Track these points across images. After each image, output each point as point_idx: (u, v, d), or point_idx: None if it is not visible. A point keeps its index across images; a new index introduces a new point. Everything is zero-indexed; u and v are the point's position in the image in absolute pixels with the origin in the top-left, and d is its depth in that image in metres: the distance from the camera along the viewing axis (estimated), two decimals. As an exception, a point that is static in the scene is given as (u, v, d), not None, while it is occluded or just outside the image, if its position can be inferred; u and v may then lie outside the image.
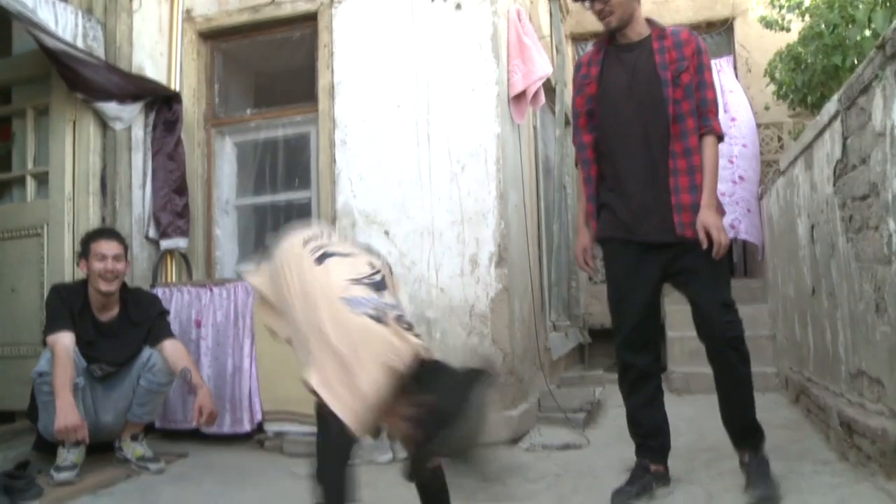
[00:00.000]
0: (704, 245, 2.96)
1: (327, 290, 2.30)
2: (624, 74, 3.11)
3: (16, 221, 4.73)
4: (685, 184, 3.02)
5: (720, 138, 3.12)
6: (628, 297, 3.16)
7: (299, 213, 5.03)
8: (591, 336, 7.58)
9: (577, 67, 3.34)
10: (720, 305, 3.05)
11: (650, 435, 3.22)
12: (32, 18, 4.07)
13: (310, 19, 4.96)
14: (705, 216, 2.98)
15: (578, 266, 3.47)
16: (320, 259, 2.42)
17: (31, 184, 4.80)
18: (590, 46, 8.16)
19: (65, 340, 3.62)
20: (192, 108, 5.17)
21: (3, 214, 4.82)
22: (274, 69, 5.66)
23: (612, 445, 4.02)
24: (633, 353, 3.17)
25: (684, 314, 3.32)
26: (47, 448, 3.77)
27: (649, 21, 3.20)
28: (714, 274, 3.06)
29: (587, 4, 3.15)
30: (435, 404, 2.04)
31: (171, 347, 3.94)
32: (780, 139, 8.06)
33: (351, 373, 2.13)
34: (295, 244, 2.54)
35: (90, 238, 3.90)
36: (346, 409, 2.11)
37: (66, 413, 3.42)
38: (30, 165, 4.78)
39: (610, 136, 3.16)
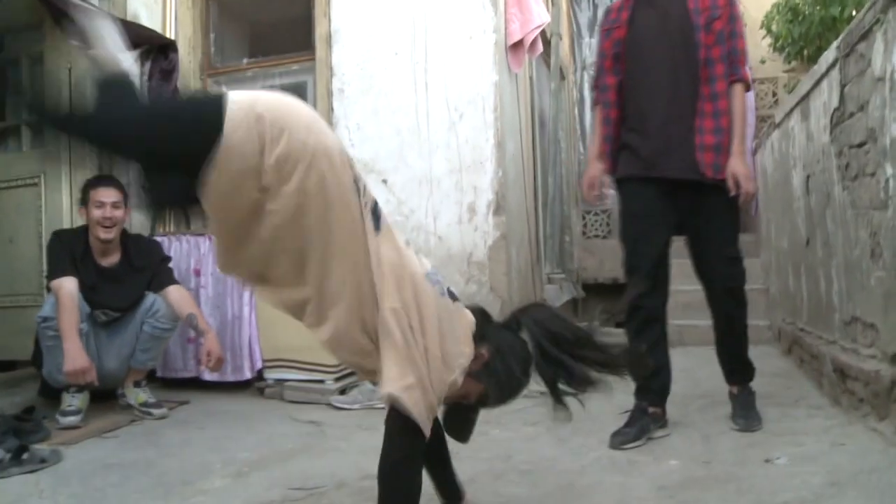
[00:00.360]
0: (733, 192, 3.03)
1: (405, 265, 1.86)
2: (655, 17, 3.15)
3: (11, 172, 4.70)
4: (710, 126, 3.07)
5: (748, 87, 3.17)
6: (646, 236, 3.19)
7: (298, 162, 5.03)
8: (585, 290, 7.64)
9: (607, 12, 3.39)
10: (728, 256, 3.16)
11: (651, 377, 3.27)
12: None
13: (306, -32, 4.93)
14: (735, 164, 3.04)
15: (585, 198, 3.55)
16: (376, 214, 1.84)
17: (25, 133, 4.76)
18: (584, 1, 8.27)
19: (69, 285, 3.63)
20: (187, 58, 5.14)
21: (-1, 164, 4.80)
22: (270, 18, 5.61)
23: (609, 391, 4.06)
24: (643, 295, 3.17)
25: (678, 267, 3.36)
26: (52, 394, 3.80)
27: None
28: (726, 222, 3.16)
29: None
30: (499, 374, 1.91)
31: (175, 293, 3.96)
32: (774, 94, 8.08)
33: (445, 364, 1.84)
34: (336, 152, 1.76)
35: (89, 185, 3.89)
36: (428, 410, 1.81)
37: (75, 356, 3.45)
38: (24, 114, 4.74)
39: (637, 76, 3.19)
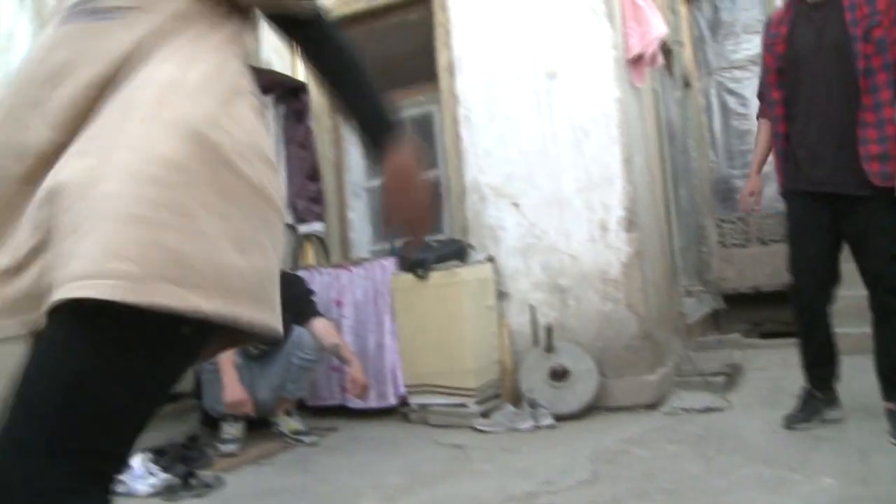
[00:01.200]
0: None
1: None
2: (813, 32, 3.18)
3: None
4: (874, 136, 3.06)
5: None
6: (809, 245, 3.27)
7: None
8: (726, 301, 7.41)
9: (766, 26, 3.46)
10: (892, 256, 3.11)
11: (818, 363, 3.32)
12: None
13: (424, 0, 5.05)
14: None
15: (742, 209, 3.63)
16: None
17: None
18: (704, 5, 8.09)
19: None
20: (318, 97, 5.36)
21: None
22: (393, 52, 5.77)
23: (754, 408, 3.94)
24: (809, 297, 3.29)
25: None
26: (211, 423, 4.04)
27: None
28: (890, 222, 3.10)
29: None
30: None
31: (320, 325, 4.13)
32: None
33: None
34: None
35: None
36: None
37: (233, 389, 3.69)
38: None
39: (796, 91, 3.26)
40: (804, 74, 3.21)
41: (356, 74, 1.34)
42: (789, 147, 3.31)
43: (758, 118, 3.61)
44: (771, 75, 3.38)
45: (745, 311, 7.32)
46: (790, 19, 3.29)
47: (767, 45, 3.41)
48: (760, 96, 3.55)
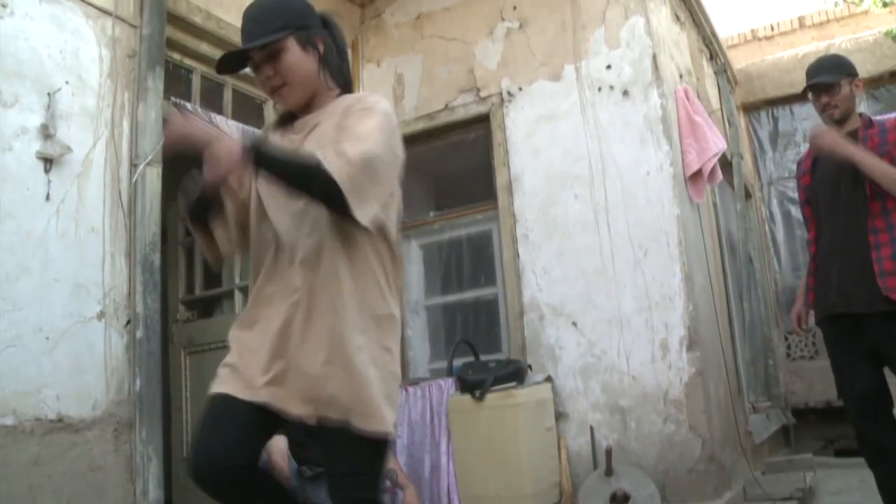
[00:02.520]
0: None
1: None
2: (833, 163, 3.27)
3: (227, 332, 5.07)
4: (888, 253, 3.11)
5: None
6: (849, 370, 3.26)
7: (487, 309, 5.16)
8: (795, 416, 7.16)
9: (799, 164, 3.64)
10: None
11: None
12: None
13: (482, 120, 5.18)
14: None
15: (795, 329, 3.64)
16: None
17: (238, 296, 5.18)
18: (762, 116, 8.14)
19: (279, 444, 3.85)
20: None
21: (217, 326, 5.21)
22: (451, 171, 5.91)
23: (830, 538, 3.77)
24: (866, 427, 3.22)
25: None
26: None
27: (860, 115, 3.37)
28: None
29: (810, 97, 3.41)
30: None
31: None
32: None
33: None
34: None
35: None
36: None
37: None
38: (237, 280, 5.18)
39: (820, 220, 3.40)
40: (825, 203, 3.34)
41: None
42: (817, 273, 3.40)
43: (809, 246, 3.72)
44: (805, 209, 3.54)
45: (816, 427, 7.07)
46: (814, 153, 3.44)
47: (797, 179, 3.61)
48: (805, 223, 3.68)
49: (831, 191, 3.30)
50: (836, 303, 3.23)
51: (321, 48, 2.01)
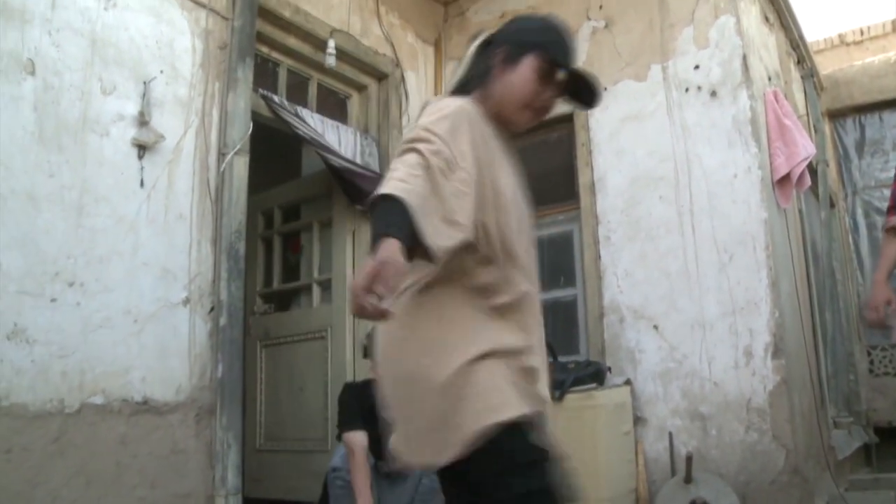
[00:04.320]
0: None
1: None
2: None
3: (304, 325, 5.16)
4: None
5: None
6: None
7: (566, 310, 5.08)
8: (878, 435, 6.90)
9: None
10: None
11: None
12: (321, 141, 4.53)
13: (566, 121, 5.12)
14: None
15: (869, 321, 3.24)
16: None
17: (316, 291, 5.22)
18: (848, 123, 7.90)
19: (361, 439, 3.82)
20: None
21: (293, 319, 5.28)
22: (534, 170, 5.82)
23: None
24: None
25: None
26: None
27: None
28: None
29: None
30: None
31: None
32: None
33: None
34: None
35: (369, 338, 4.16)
36: None
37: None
38: (315, 274, 5.22)
39: None
40: None
41: None
42: None
43: (884, 231, 3.40)
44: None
45: (900, 446, 6.81)
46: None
47: None
48: (889, 208, 3.35)
49: None
50: None
51: None
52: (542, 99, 1.86)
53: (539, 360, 1.80)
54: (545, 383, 1.82)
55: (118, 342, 3.19)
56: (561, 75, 1.84)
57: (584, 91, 1.91)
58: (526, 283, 1.81)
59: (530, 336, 1.79)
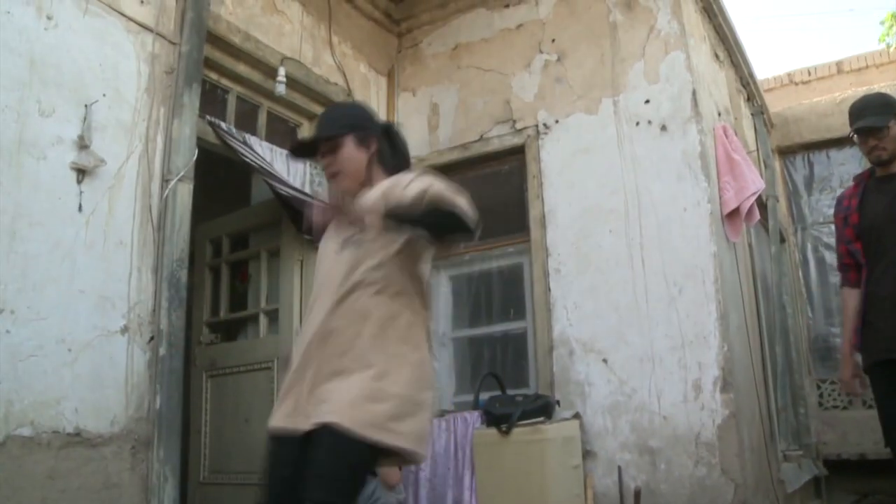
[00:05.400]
0: None
1: None
2: (883, 201, 3.23)
3: (250, 356, 5.04)
4: None
5: None
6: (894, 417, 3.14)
7: (516, 343, 5.05)
8: (827, 467, 6.94)
9: (839, 202, 3.54)
10: None
11: None
12: (269, 169, 4.47)
13: (517, 152, 5.13)
14: None
15: (848, 391, 3.52)
16: None
17: (263, 320, 5.13)
18: (798, 160, 8.04)
19: None
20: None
21: (239, 349, 5.17)
22: (484, 202, 5.76)
23: None
24: None
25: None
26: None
27: None
28: None
29: (855, 138, 3.35)
30: None
31: (386, 471, 3.96)
32: None
33: None
34: None
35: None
36: None
37: None
38: (263, 303, 5.12)
39: (870, 261, 3.27)
40: (877, 242, 3.24)
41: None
42: (867, 316, 3.26)
43: (841, 288, 3.59)
44: (842, 246, 3.44)
45: (849, 479, 6.85)
46: (860, 193, 3.37)
47: (843, 218, 3.45)
48: (841, 267, 3.54)
49: (883, 228, 3.20)
50: (890, 348, 3.10)
51: (373, 147, 2.44)
52: (324, 171, 2.55)
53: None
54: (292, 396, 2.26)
55: (50, 371, 3.07)
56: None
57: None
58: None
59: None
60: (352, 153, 2.41)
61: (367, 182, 2.40)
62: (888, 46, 8.24)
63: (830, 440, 7.17)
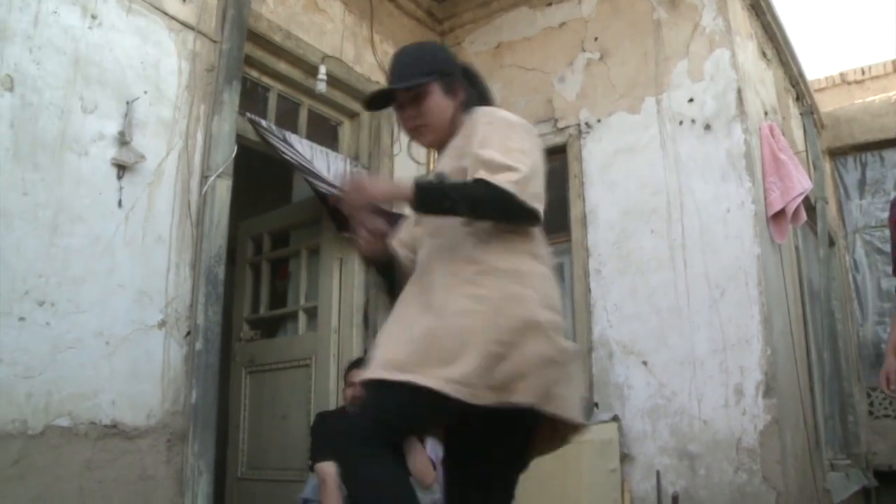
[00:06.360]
0: None
1: None
2: None
3: (289, 353, 5.08)
4: None
5: None
6: None
7: (554, 343, 4.99)
8: (878, 478, 6.76)
9: (893, 204, 3.36)
10: None
11: None
12: (309, 167, 4.48)
13: (559, 151, 5.07)
14: None
15: (883, 389, 3.31)
16: None
17: (302, 318, 5.16)
18: (849, 162, 7.84)
19: (333, 470, 3.74)
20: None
21: (278, 346, 5.21)
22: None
23: None
24: None
25: None
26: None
27: None
28: None
29: None
30: None
31: (419, 463, 3.91)
32: None
33: None
34: None
35: (348, 368, 4.08)
36: None
37: None
38: (302, 301, 5.16)
39: None
40: None
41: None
42: None
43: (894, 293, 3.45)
44: None
45: (900, 491, 6.67)
46: None
47: (894, 222, 3.32)
48: (895, 271, 3.41)
49: None
50: None
51: (461, 95, 2.15)
52: (403, 125, 2.20)
53: None
54: None
55: (88, 364, 3.12)
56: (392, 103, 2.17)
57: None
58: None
59: None
60: (439, 103, 2.11)
61: (451, 136, 2.15)
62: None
63: (881, 450, 6.98)
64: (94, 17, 3.39)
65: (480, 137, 1.97)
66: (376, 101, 2.19)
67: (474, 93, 2.20)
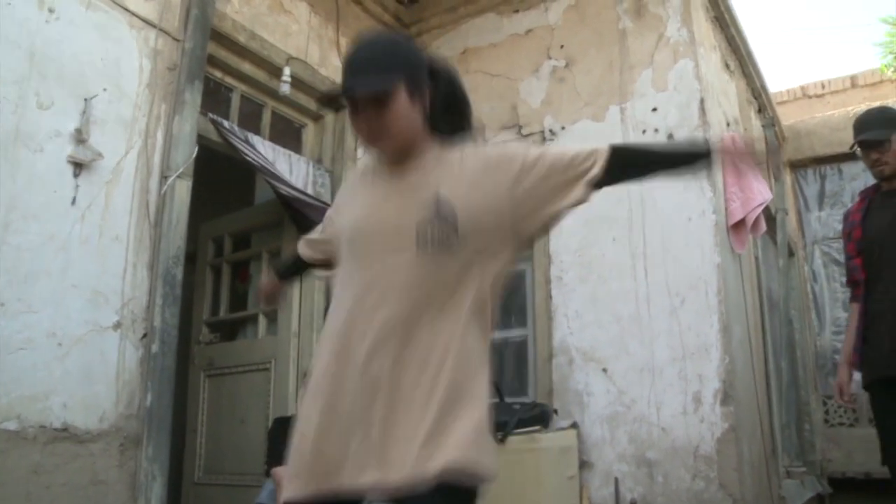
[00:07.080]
0: None
1: None
2: (887, 217, 3.19)
3: (248, 356, 5.02)
4: None
5: None
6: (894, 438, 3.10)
7: (516, 350, 4.99)
8: (832, 486, 6.86)
9: (845, 217, 3.53)
10: None
11: None
12: (271, 169, 4.44)
13: (522, 160, 5.06)
14: None
15: (837, 400, 3.50)
16: None
17: (262, 321, 5.10)
18: (809, 174, 7.96)
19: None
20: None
21: (237, 350, 5.15)
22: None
23: None
24: None
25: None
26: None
27: None
28: None
29: (859, 152, 3.33)
30: None
31: None
32: None
33: None
34: None
35: (306, 374, 4.05)
36: None
37: None
38: (262, 304, 5.10)
39: (872, 277, 3.23)
40: (878, 258, 3.20)
41: (646, 155, 2.08)
42: (867, 332, 3.23)
43: (850, 304, 3.55)
44: (856, 259, 3.37)
45: (854, 498, 6.76)
46: (864, 208, 3.34)
47: (847, 234, 3.44)
48: (849, 283, 3.51)
49: (885, 244, 3.16)
50: (889, 364, 3.06)
51: (427, 100, 1.82)
52: (358, 128, 1.81)
53: None
54: None
55: (39, 365, 3.05)
56: (346, 101, 1.80)
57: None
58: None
59: None
60: (406, 106, 1.76)
61: (414, 147, 1.82)
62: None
63: (836, 458, 7.08)
64: (51, 10, 3.32)
65: (535, 155, 1.87)
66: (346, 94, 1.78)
67: (439, 95, 1.86)
